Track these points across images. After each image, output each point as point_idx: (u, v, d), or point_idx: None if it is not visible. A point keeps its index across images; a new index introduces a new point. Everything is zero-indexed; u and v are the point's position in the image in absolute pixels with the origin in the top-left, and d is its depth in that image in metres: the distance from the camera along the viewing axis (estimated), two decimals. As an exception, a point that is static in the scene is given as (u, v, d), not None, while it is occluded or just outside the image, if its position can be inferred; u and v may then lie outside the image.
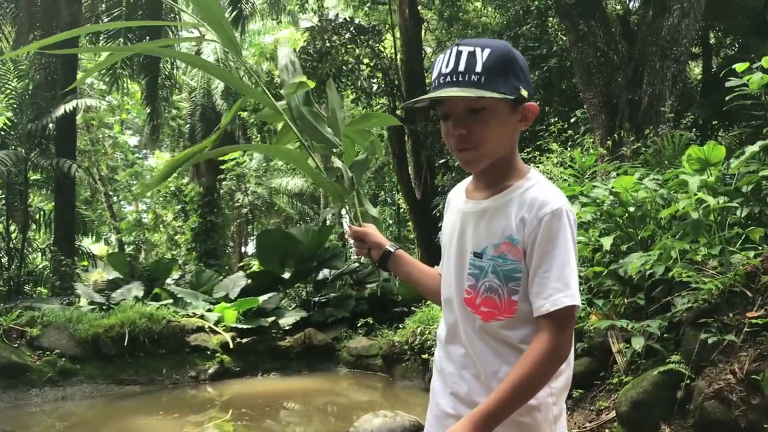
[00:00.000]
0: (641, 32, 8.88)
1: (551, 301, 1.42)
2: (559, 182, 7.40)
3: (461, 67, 1.43)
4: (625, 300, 4.60)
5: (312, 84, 1.98)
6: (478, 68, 1.42)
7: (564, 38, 11.65)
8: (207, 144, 2.01)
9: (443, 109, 1.51)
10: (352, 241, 1.93)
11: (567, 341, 1.45)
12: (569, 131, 9.00)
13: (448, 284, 1.62)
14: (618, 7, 13.13)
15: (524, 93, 1.47)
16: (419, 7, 15.23)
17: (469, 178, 1.67)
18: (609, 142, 7.61)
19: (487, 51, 1.43)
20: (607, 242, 4.59)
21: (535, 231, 1.45)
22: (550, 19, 12.41)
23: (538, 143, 8.86)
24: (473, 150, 1.49)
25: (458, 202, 1.65)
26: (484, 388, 1.51)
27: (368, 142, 2.04)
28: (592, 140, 8.45)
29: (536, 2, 12.17)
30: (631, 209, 4.89)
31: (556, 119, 9.30)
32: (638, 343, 3.94)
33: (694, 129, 7.53)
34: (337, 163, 1.97)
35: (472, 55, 1.43)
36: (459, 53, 1.44)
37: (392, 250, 1.84)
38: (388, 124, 2.08)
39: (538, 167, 8.35)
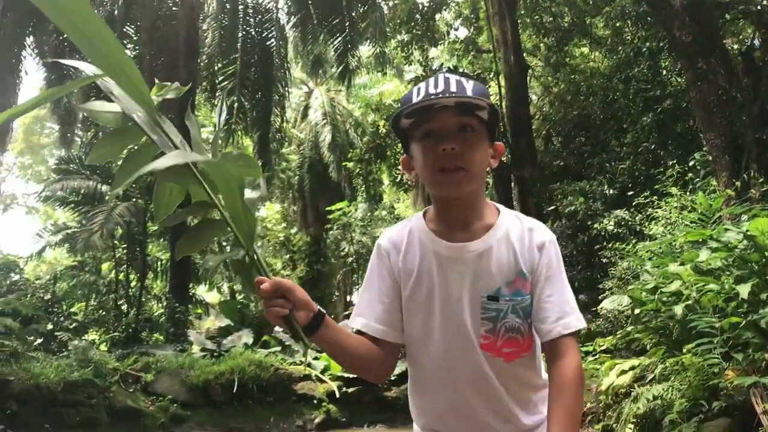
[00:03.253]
0: (767, 68, 8.35)
1: (563, 324, 1.42)
2: (681, 227, 6.96)
3: (453, 88, 1.41)
4: (767, 355, 4.17)
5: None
6: (469, 92, 1.42)
7: (678, 79, 11.16)
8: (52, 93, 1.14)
9: (429, 126, 1.42)
10: (263, 300, 1.41)
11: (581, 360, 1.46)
12: (689, 174, 8.51)
13: (447, 341, 1.48)
14: (735, 46, 12.49)
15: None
16: (524, 54, 15.10)
17: (403, 225, 1.57)
18: (737, 184, 7.10)
19: (471, 83, 1.44)
20: (744, 290, 4.19)
21: (538, 260, 1.47)
22: (662, 60, 11.96)
23: (655, 187, 8.42)
24: (462, 171, 1.41)
25: (433, 247, 1.50)
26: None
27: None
28: (715, 183, 7.93)
29: (648, 43, 11.77)
30: (770, 254, 4.47)
31: (674, 162, 8.83)
32: (789, 404, 3.52)
33: (831, 169, 6.94)
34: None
35: (460, 82, 1.43)
36: (447, 78, 1.44)
37: (324, 311, 1.48)
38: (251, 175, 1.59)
39: (656, 212, 7.93)
